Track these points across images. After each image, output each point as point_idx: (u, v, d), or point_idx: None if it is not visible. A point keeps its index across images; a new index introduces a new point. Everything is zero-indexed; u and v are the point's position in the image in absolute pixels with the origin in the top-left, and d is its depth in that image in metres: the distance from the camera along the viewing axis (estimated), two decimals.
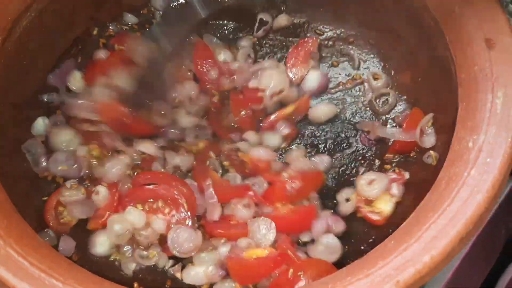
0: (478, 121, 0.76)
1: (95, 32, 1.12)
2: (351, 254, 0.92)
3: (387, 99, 1.06)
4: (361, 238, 0.95)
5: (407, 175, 0.96)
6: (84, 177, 0.99)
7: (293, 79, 1.11)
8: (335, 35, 1.13)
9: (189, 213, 0.92)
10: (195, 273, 0.90)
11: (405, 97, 1.04)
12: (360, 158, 1.03)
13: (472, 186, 0.72)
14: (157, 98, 1.01)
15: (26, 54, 0.99)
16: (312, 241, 0.93)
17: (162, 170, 1.00)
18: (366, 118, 1.07)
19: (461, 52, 0.84)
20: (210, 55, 1.09)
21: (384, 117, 1.06)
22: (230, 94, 1.08)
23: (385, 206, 0.94)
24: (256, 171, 1.00)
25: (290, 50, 1.13)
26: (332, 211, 0.98)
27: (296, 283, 0.82)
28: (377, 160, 1.02)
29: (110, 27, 1.14)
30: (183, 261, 0.93)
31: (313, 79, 1.10)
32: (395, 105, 1.05)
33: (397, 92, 1.05)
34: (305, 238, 0.94)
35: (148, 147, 1.00)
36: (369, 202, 0.95)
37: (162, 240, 0.92)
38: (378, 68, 1.09)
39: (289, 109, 1.06)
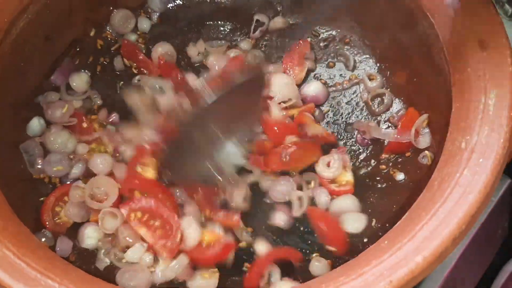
0: (471, 122, 0.77)
1: (92, 34, 1.12)
2: None
3: (382, 99, 1.06)
4: None
5: (401, 176, 0.97)
6: (80, 178, 0.99)
7: None
8: (331, 36, 1.14)
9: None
10: None
11: (401, 98, 1.05)
12: (355, 158, 1.04)
13: (465, 186, 0.72)
14: None
15: (23, 56, 0.99)
16: None
17: None
18: (362, 118, 1.07)
19: (455, 52, 0.84)
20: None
21: (380, 118, 1.06)
22: None
23: (347, 176, 0.98)
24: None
25: (284, 56, 1.13)
26: None
27: None
28: (372, 160, 1.02)
29: (108, 29, 1.14)
30: None
31: (313, 89, 1.10)
32: (391, 106, 1.06)
33: (392, 93, 1.05)
34: None
35: None
36: (333, 181, 0.98)
37: None
38: (374, 69, 1.09)
39: (293, 112, 1.07)
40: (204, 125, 0.90)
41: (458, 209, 0.70)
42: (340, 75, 1.12)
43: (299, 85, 1.10)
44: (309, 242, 0.95)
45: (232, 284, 0.90)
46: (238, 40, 1.16)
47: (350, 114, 1.08)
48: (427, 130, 0.95)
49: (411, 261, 0.68)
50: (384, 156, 1.01)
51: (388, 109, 1.06)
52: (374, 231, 0.93)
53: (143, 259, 0.88)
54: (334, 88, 1.11)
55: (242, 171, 0.98)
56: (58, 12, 1.04)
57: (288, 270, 0.90)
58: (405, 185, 0.96)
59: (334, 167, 0.98)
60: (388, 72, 1.07)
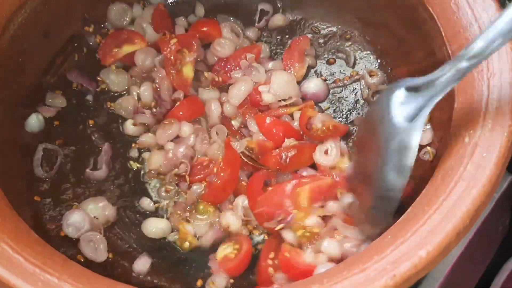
0: (474, 116, 0.76)
1: (91, 29, 1.11)
2: None
3: None
4: None
5: None
6: None
7: None
8: (331, 32, 1.13)
9: None
10: None
11: None
12: None
13: (468, 180, 0.71)
14: None
15: (21, 52, 0.99)
16: None
17: None
18: (362, 115, 1.07)
19: (458, 47, 0.84)
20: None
21: None
22: None
23: (345, 163, 0.99)
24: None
25: (284, 53, 1.13)
26: None
27: None
28: None
29: (107, 24, 1.13)
30: None
31: (313, 86, 1.10)
32: None
33: None
34: None
35: None
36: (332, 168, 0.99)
37: None
38: (375, 65, 1.09)
39: (292, 109, 1.07)
40: None
41: (462, 204, 0.70)
42: (341, 71, 1.12)
43: (299, 82, 1.10)
44: None
45: None
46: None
47: (351, 111, 1.08)
48: (428, 126, 0.95)
49: (415, 256, 0.67)
50: None
51: None
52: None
53: None
54: (334, 85, 1.11)
55: None
56: (56, 8, 1.03)
57: None
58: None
59: (332, 155, 0.99)
60: (389, 68, 1.07)
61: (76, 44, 1.10)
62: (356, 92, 1.09)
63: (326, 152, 0.99)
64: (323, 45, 1.14)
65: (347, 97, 1.09)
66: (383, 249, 0.70)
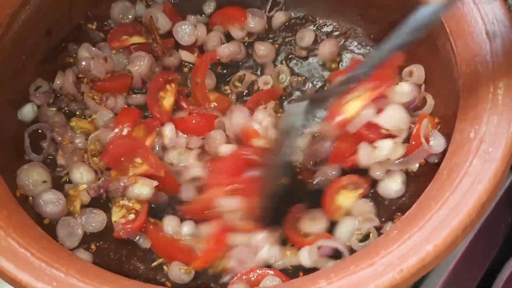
0: (479, 112, 0.77)
1: (94, 27, 1.11)
2: None
3: None
4: None
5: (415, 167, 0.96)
6: None
7: None
8: (334, 29, 1.13)
9: None
10: None
11: None
12: None
13: (474, 176, 0.72)
14: None
15: (24, 50, 0.98)
16: None
17: None
18: None
19: (462, 43, 0.84)
20: None
21: None
22: None
23: None
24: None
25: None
26: None
27: None
28: None
29: (109, 21, 1.13)
30: None
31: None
32: None
33: None
34: None
35: None
36: None
37: None
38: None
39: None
40: None
41: (468, 198, 0.70)
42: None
43: None
44: None
45: None
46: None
47: None
48: (436, 131, 0.92)
49: (422, 250, 0.68)
50: None
51: None
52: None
53: None
54: None
55: None
56: (58, 6, 1.03)
57: None
58: (411, 177, 0.96)
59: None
60: None
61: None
62: None
63: None
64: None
65: None
66: (390, 244, 0.70)
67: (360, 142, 0.93)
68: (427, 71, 0.98)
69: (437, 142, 0.91)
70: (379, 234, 0.91)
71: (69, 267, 0.71)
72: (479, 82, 0.79)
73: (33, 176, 0.94)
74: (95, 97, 1.06)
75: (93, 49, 1.08)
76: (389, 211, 0.95)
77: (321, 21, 1.14)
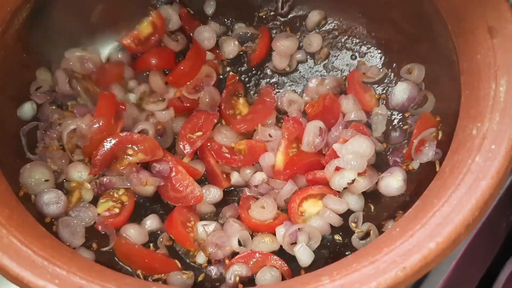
0: (481, 109, 0.76)
1: None
2: None
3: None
4: None
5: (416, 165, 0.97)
6: None
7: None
8: (336, 27, 1.13)
9: None
10: None
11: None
12: None
13: (477, 172, 0.71)
14: None
15: (25, 47, 0.98)
16: None
17: None
18: None
19: (464, 41, 0.84)
20: None
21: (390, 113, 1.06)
22: None
23: None
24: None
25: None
26: None
27: None
28: None
29: None
30: None
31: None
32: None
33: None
34: None
35: None
36: None
37: None
38: (380, 59, 1.09)
39: None
40: None
41: (471, 195, 0.70)
42: (346, 66, 1.12)
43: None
44: None
45: None
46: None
47: None
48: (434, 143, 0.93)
49: (424, 248, 0.67)
50: None
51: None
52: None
53: None
54: None
55: None
56: None
57: None
58: (412, 175, 0.96)
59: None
60: (394, 64, 1.07)
61: None
62: None
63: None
64: (327, 40, 1.13)
65: None
66: (392, 242, 0.70)
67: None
68: (428, 69, 0.99)
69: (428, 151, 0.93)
70: (381, 232, 0.92)
71: (71, 264, 0.71)
72: (480, 79, 0.79)
73: (35, 175, 0.94)
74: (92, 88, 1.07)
75: None
76: (390, 209, 0.96)
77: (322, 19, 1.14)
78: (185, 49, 1.12)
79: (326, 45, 1.13)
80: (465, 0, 0.83)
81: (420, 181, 0.92)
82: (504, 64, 0.78)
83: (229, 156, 1.03)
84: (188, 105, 1.08)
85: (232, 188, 1.05)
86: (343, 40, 1.12)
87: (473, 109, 0.78)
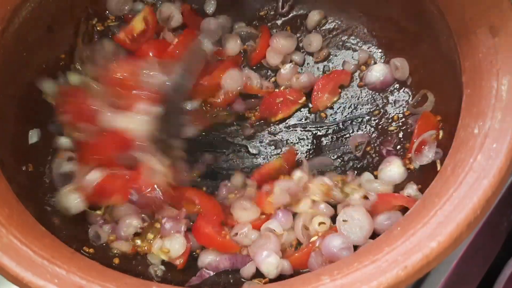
0: (483, 108, 0.76)
1: (94, 23, 1.11)
2: None
3: None
4: None
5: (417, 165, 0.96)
6: None
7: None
8: (336, 26, 1.13)
9: None
10: None
11: (410, 88, 1.04)
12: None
13: (479, 171, 0.71)
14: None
15: (25, 46, 0.98)
16: None
17: None
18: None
19: (465, 39, 0.84)
20: None
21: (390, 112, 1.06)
22: None
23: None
24: None
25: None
26: None
27: None
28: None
29: (110, 17, 1.13)
30: None
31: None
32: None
33: (399, 83, 1.05)
34: None
35: None
36: None
37: None
38: (380, 59, 1.09)
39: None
40: None
41: (473, 194, 0.70)
42: (346, 66, 1.12)
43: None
44: None
45: None
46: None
47: (356, 105, 1.08)
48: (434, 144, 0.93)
49: (426, 247, 0.67)
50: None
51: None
52: None
53: None
54: None
55: None
56: (59, 2, 1.02)
57: None
58: (413, 174, 0.96)
59: None
60: None
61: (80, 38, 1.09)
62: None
63: None
64: (327, 39, 1.13)
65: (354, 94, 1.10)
66: (393, 241, 0.70)
67: None
68: (429, 68, 0.98)
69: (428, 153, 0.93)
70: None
71: (71, 264, 0.71)
72: (482, 78, 0.79)
73: None
74: None
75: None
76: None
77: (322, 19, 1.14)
78: None
79: (326, 45, 1.13)
80: None
81: (421, 180, 0.92)
82: (505, 63, 0.78)
83: None
84: None
85: None
86: (343, 39, 1.12)
87: (475, 108, 0.78)
